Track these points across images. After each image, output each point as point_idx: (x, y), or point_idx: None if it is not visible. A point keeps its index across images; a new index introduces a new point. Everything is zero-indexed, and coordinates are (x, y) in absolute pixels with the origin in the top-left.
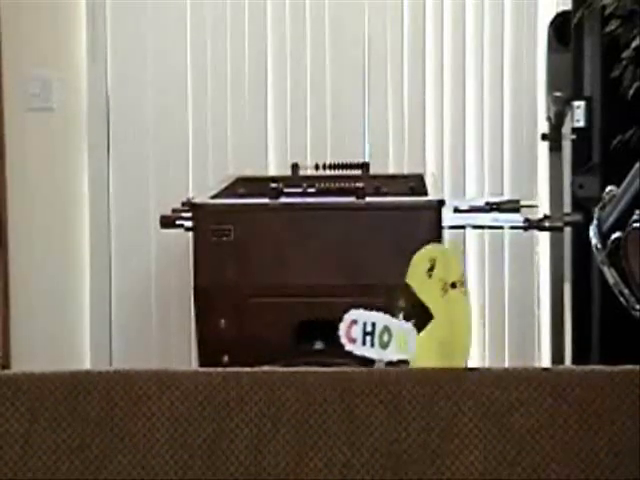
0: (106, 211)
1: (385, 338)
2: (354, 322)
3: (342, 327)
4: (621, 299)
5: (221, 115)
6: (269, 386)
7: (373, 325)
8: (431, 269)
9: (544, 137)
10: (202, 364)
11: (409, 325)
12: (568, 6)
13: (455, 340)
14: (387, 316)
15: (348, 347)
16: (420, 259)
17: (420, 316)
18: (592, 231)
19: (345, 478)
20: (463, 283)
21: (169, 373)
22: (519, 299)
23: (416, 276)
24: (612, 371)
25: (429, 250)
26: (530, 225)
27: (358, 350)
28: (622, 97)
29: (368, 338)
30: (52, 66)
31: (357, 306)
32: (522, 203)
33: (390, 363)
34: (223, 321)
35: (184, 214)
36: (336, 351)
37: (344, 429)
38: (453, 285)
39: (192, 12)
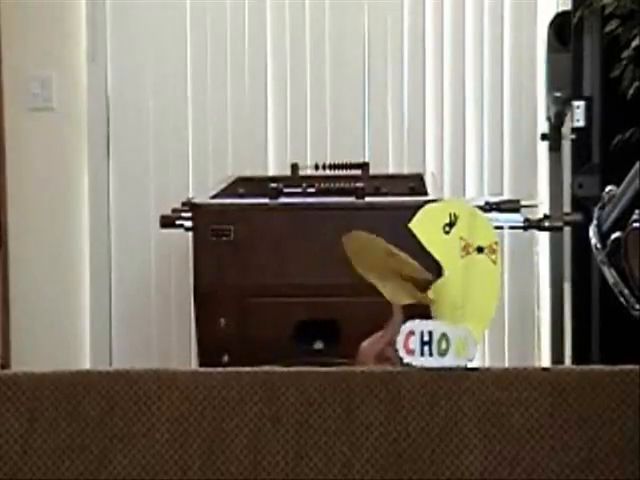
0: (106, 211)
1: (443, 345)
2: (411, 333)
3: (399, 340)
4: (621, 299)
5: (221, 115)
6: (269, 386)
7: (430, 334)
8: (450, 225)
9: (544, 137)
10: (202, 364)
11: (467, 330)
12: (568, 6)
13: (469, 306)
14: (444, 323)
15: (406, 359)
16: (436, 210)
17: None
18: (592, 231)
19: (345, 478)
20: (494, 251)
21: (169, 373)
22: (519, 299)
23: (426, 226)
24: (612, 371)
25: (450, 204)
26: (530, 225)
27: (416, 361)
28: (622, 97)
29: (426, 348)
30: (52, 66)
31: (356, 306)
32: (522, 203)
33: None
34: (223, 321)
35: (184, 214)
36: (336, 351)
37: (344, 429)
38: (480, 249)
39: (192, 12)
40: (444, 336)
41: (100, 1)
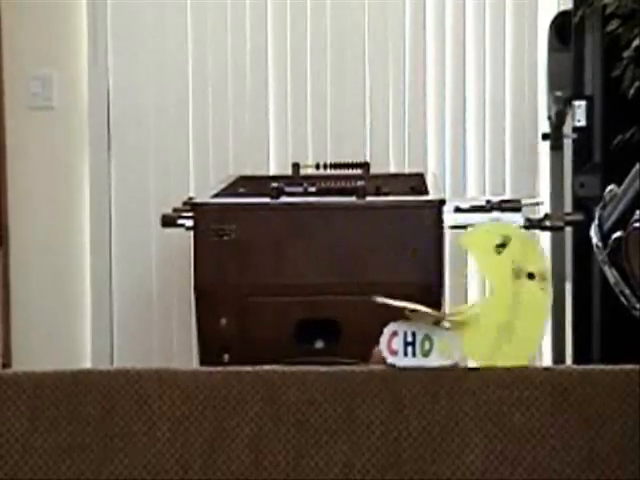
0: (107, 210)
1: (427, 346)
2: (395, 334)
3: (383, 340)
4: (622, 299)
5: (222, 114)
6: (269, 385)
7: (414, 335)
8: (502, 246)
9: (545, 136)
10: (203, 363)
11: (451, 331)
12: (569, 6)
13: (519, 329)
14: (428, 324)
15: (390, 360)
16: (488, 230)
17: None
18: (593, 230)
19: (345, 478)
20: (544, 279)
21: (170, 372)
22: None
23: (478, 245)
24: (613, 371)
25: (503, 226)
26: (531, 224)
27: (400, 362)
28: (623, 96)
29: (409, 348)
30: (53, 65)
31: (357, 305)
32: (523, 202)
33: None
34: (224, 320)
35: (185, 213)
36: (336, 350)
37: (344, 429)
38: (531, 275)
39: (192, 11)
40: (427, 337)
41: (101, 1)
